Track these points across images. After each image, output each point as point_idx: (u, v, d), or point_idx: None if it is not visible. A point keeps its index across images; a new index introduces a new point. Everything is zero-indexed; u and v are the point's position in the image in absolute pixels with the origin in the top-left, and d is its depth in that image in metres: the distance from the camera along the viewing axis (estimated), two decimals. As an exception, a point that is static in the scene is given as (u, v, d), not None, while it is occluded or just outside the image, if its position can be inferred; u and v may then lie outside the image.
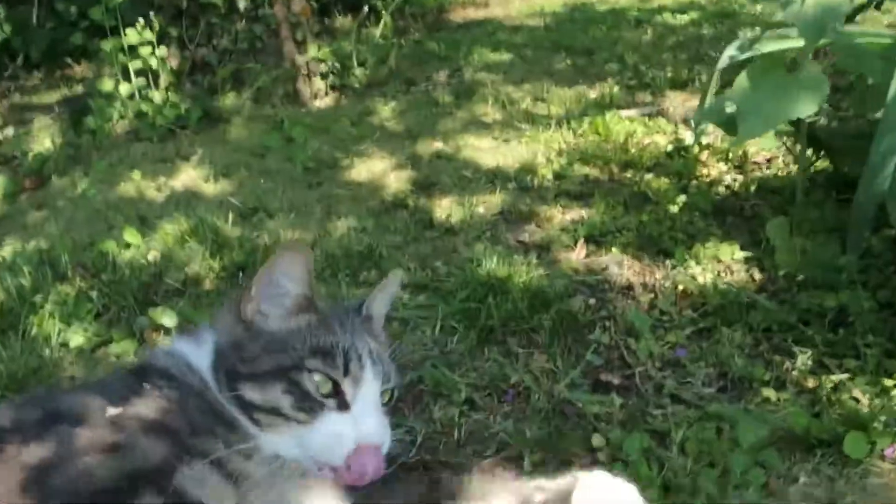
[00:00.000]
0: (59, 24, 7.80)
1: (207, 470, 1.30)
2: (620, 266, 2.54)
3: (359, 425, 1.40)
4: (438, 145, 3.91)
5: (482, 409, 1.93)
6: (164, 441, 1.31)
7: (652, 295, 2.37)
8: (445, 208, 3.12)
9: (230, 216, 3.13)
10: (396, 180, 3.49)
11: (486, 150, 3.80)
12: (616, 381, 2.00)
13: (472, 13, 9.35)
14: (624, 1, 8.80)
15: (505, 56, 6.06)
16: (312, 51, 5.21)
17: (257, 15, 4.95)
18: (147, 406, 1.38)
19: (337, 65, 5.40)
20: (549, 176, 3.33)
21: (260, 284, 1.51)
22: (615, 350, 2.15)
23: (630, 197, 3.02)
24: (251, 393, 1.42)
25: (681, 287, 2.38)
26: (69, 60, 7.40)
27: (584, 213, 2.96)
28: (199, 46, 4.97)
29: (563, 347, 2.13)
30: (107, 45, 4.58)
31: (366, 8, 6.05)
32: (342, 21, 7.88)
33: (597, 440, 1.74)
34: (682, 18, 6.93)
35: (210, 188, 3.62)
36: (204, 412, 1.42)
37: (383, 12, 6.15)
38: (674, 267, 2.50)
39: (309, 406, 1.40)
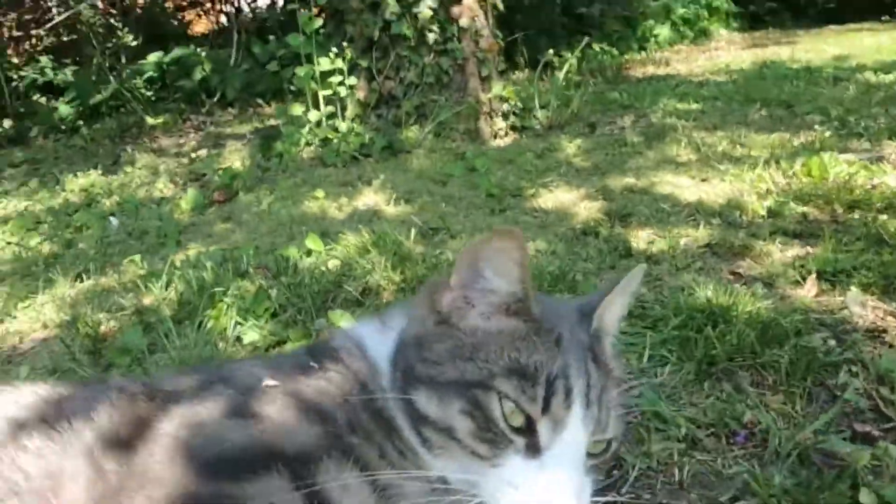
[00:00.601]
0: (253, 66, 8.27)
1: (359, 482, 1.05)
2: (864, 307, 2.15)
3: (544, 483, 1.05)
4: (630, 180, 3.65)
5: (707, 450, 1.61)
6: (316, 428, 1.09)
7: (908, 340, 1.97)
8: (644, 238, 2.84)
9: (412, 233, 2.99)
10: (586, 210, 3.25)
11: (684, 188, 3.49)
12: (875, 432, 1.62)
13: (653, 70, 9.11)
14: (818, 60, 8.31)
15: (693, 106, 5.75)
16: (497, 88, 5.13)
17: (445, 49, 4.92)
18: (307, 385, 1.18)
19: (519, 104, 5.29)
20: (762, 212, 2.98)
21: (461, 272, 1.18)
22: (866, 398, 1.77)
23: (863, 238, 2.61)
24: (426, 403, 1.11)
25: (942, 336, 1.97)
26: (261, 101, 7.78)
27: (808, 249, 2.58)
28: (388, 79, 4.99)
29: (802, 389, 1.77)
30: (300, 70, 4.68)
31: (550, 51, 5.93)
32: (519, 75, 7.87)
33: (866, 496, 1.38)
34: (886, 77, 6.38)
35: (391, 210, 3.52)
36: (364, 409, 1.16)
37: (569, 55, 6.03)
38: (931, 313, 2.08)
39: (491, 438, 1.07)
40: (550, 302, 1.32)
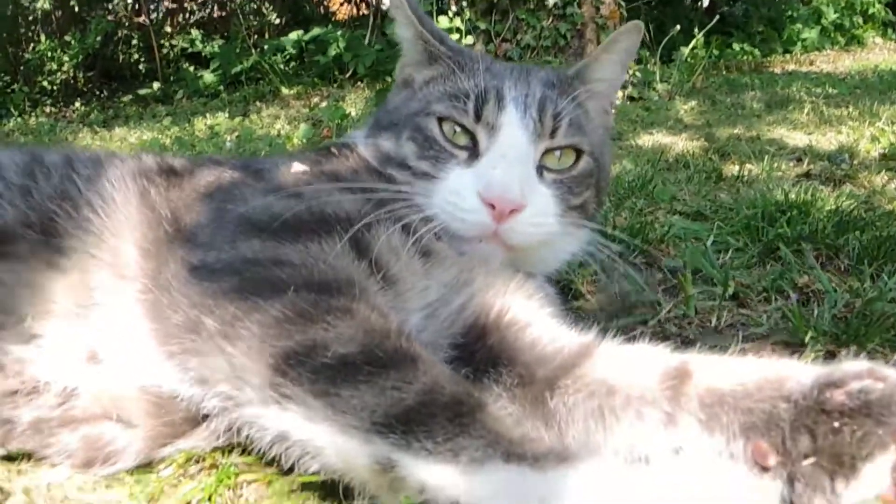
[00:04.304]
0: (385, 47, 8.52)
1: (403, 242, 1.11)
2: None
3: (481, 176, 1.16)
4: (739, 131, 3.50)
5: (752, 307, 1.52)
6: (358, 197, 1.15)
7: None
8: (738, 169, 2.72)
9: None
10: (684, 146, 3.15)
11: (795, 138, 3.32)
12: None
13: (793, 67, 8.71)
14: None
15: (829, 90, 5.45)
16: (615, 55, 5.05)
17: (564, 13, 4.90)
18: (338, 166, 1.29)
19: (638, 74, 5.19)
20: (874, 154, 2.79)
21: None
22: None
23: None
24: (386, 143, 1.29)
25: None
26: (389, 78, 8.00)
27: (918, 178, 2.40)
28: (505, 41, 5.02)
29: (874, 269, 1.64)
30: (418, 25, 4.80)
31: (677, 27, 5.78)
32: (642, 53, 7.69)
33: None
34: None
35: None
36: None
37: (696, 31, 5.87)
38: None
39: (433, 155, 1.22)
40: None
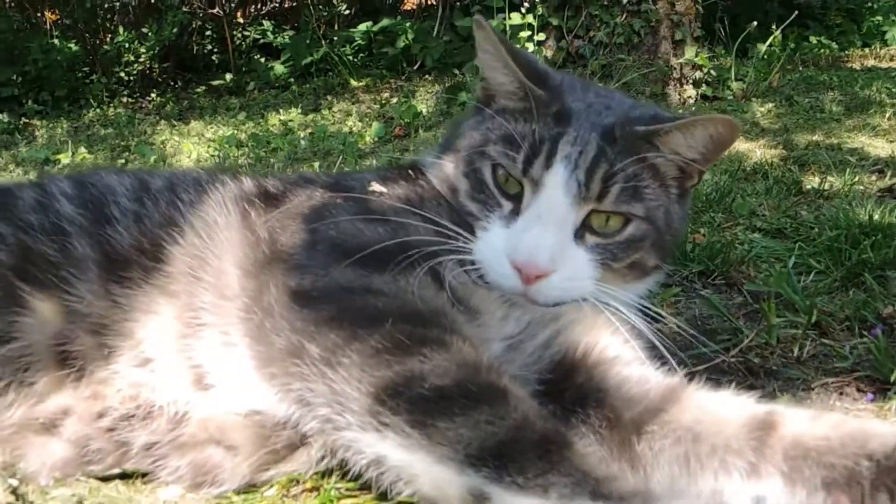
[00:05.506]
0: (454, 38, 8.53)
1: (463, 273, 1.16)
2: None
3: (512, 239, 1.15)
4: (818, 138, 3.43)
5: (834, 337, 1.51)
6: (430, 230, 1.18)
7: None
8: (818, 181, 2.67)
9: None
10: (762, 154, 3.11)
11: (876, 146, 3.24)
12: None
13: (874, 63, 8.43)
14: None
15: (914, 90, 5.27)
16: (690, 53, 4.98)
17: (639, 9, 4.85)
18: (411, 190, 1.30)
19: (712, 73, 5.11)
20: (965, 167, 2.72)
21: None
22: None
23: None
24: (450, 168, 1.27)
25: None
26: (457, 71, 8.02)
27: None
28: (577, 38, 4.99)
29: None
30: (492, 22, 4.80)
31: (754, 23, 5.66)
32: (717, 50, 7.54)
33: None
34: None
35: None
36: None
37: (773, 26, 5.74)
38: None
39: (482, 199, 1.20)
40: (581, 86, 1.35)
